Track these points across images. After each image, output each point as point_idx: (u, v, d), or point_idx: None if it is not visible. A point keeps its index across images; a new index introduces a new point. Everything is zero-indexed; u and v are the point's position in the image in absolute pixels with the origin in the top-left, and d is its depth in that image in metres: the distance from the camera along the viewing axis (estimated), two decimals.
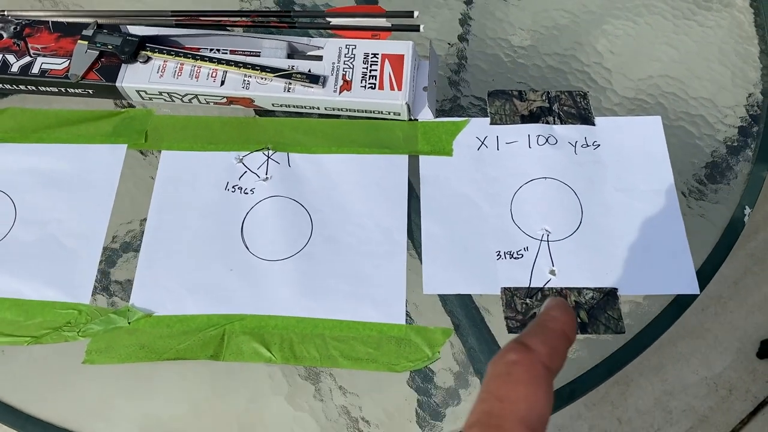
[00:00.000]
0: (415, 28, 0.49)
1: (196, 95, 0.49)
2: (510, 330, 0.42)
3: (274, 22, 0.51)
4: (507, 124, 0.49)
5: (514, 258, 0.44)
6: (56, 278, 0.45)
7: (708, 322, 1.03)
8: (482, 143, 0.49)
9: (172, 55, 0.49)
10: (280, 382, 0.42)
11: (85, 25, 0.50)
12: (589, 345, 0.42)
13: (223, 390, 0.42)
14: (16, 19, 0.52)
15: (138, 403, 0.41)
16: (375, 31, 0.50)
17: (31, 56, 0.50)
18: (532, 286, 0.43)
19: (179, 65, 0.49)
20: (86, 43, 0.49)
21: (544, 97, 0.50)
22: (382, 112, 0.49)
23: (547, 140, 0.48)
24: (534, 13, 0.55)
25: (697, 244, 0.44)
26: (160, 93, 0.49)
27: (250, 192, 0.47)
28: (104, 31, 0.50)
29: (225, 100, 0.49)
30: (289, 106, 0.49)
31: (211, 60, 0.48)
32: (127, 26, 0.51)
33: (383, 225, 0.46)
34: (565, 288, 0.43)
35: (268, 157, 0.49)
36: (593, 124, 0.49)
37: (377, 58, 0.48)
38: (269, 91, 0.48)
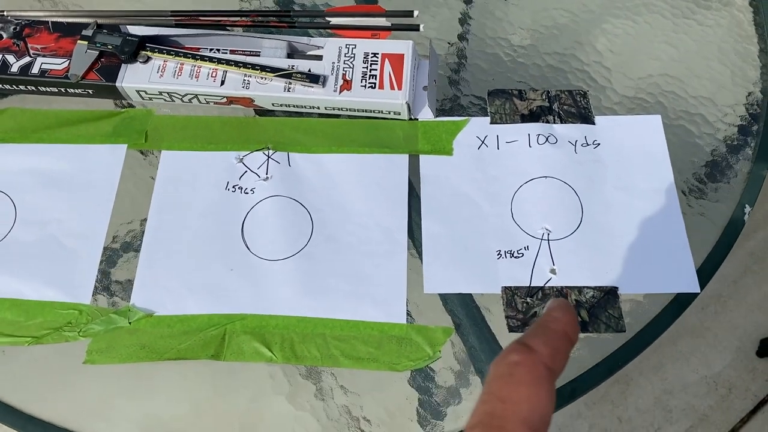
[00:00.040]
0: (415, 28, 0.49)
1: (196, 95, 0.49)
2: (511, 329, 0.42)
3: (273, 22, 0.51)
4: (507, 123, 0.49)
5: (515, 257, 0.44)
6: (57, 278, 0.45)
7: (708, 321, 1.03)
8: (482, 142, 0.49)
9: (172, 55, 0.49)
10: (281, 382, 0.42)
11: (85, 25, 0.50)
12: (589, 344, 0.42)
13: (224, 390, 0.42)
14: (16, 19, 0.52)
15: (139, 403, 0.41)
16: (375, 31, 0.50)
17: (30, 56, 0.50)
18: (532, 285, 0.43)
19: (179, 65, 0.49)
20: (86, 43, 0.49)
21: (544, 97, 0.50)
22: (382, 112, 0.49)
23: (547, 139, 0.48)
24: (534, 13, 0.56)
25: (697, 243, 0.44)
26: (160, 93, 0.49)
27: (251, 192, 0.47)
28: (104, 31, 0.50)
29: (225, 99, 0.49)
30: (289, 106, 0.49)
31: (211, 60, 0.48)
32: (127, 26, 0.51)
33: (384, 224, 0.46)
34: (566, 287, 0.43)
35: (269, 157, 0.48)
36: (593, 123, 0.49)
37: (377, 57, 0.48)
38: (269, 91, 0.48)
